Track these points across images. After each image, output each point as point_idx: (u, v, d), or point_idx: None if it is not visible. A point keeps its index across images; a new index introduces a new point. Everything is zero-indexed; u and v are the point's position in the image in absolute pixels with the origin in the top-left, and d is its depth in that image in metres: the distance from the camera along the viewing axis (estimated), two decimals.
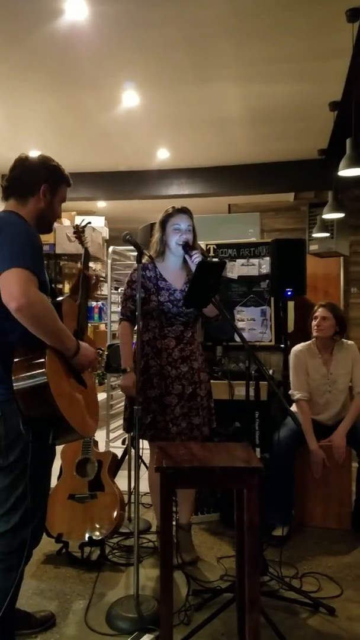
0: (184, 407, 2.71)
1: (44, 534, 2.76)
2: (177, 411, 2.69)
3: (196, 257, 2.59)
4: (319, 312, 3.36)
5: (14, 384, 1.76)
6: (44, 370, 1.75)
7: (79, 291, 2.25)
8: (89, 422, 2.00)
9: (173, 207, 2.77)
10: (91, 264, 5.46)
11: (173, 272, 2.79)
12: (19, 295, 1.68)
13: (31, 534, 1.89)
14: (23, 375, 1.77)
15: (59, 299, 2.08)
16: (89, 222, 2.56)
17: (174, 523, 2.76)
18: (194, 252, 2.67)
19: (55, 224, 5.54)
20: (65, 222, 5.99)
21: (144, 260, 2.61)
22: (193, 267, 2.58)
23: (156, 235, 2.78)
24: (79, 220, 2.50)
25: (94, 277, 2.34)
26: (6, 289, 1.71)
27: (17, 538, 1.87)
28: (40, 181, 1.97)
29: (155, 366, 2.70)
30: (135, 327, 2.64)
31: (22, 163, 2.00)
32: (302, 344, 3.43)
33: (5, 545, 1.87)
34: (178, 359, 2.73)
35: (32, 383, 1.75)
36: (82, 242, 2.42)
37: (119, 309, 2.95)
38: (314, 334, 3.36)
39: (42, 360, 1.77)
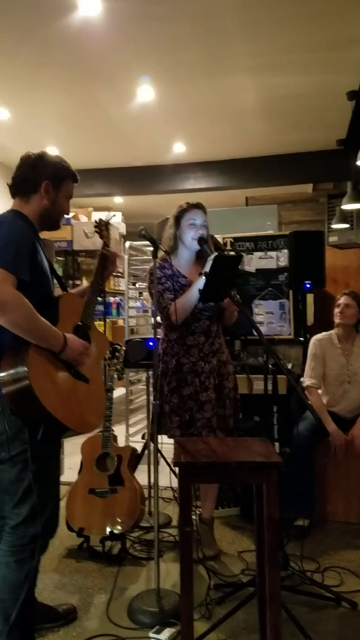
0: (218, 400, 2.72)
1: (67, 528, 2.81)
2: (215, 405, 2.69)
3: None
4: (343, 299, 3.33)
5: (1, 383, 1.78)
6: (25, 369, 1.75)
7: (96, 273, 2.21)
8: (87, 418, 1.97)
9: (187, 203, 2.75)
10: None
11: (187, 267, 2.77)
12: None
13: (43, 526, 1.90)
14: (6, 374, 1.78)
15: (60, 294, 2.07)
16: (114, 215, 2.46)
17: (194, 517, 2.78)
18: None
19: (72, 221, 5.58)
20: (83, 218, 6.01)
21: (158, 259, 2.59)
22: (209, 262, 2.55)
23: (169, 230, 2.76)
24: (95, 216, 2.45)
25: (112, 254, 2.29)
26: None
27: (28, 531, 1.88)
28: (42, 178, 1.97)
29: (188, 363, 2.69)
30: (160, 317, 2.65)
31: (24, 162, 2.01)
32: (324, 333, 3.40)
33: (17, 538, 1.89)
34: (209, 353, 2.72)
35: (16, 383, 1.76)
36: (103, 237, 2.33)
37: (145, 304, 2.93)
38: (337, 321, 3.33)
39: (25, 359, 1.77)
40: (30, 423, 1.82)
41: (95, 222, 2.41)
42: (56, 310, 1.94)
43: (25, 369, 1.75)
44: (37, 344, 1.81)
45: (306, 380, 3.30)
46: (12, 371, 1.77)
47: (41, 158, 2.01)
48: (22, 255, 1.83)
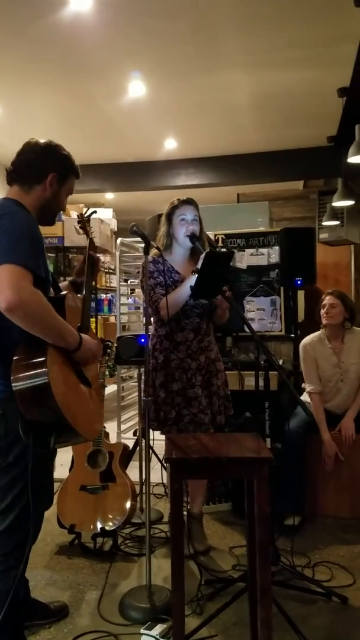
0: (207, 397, 2.72)
1: (58, 525, 2.81)
2: (204, 402, 2.69)
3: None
4: (327, 299, 3.34)
5: (13, 385, 1.64)
6: (44, 369, 1.62)
7: (84, 274, 2.17)
8: (93, 424, 1.90)
9: (178, 199, 2.75)
10: (99, 255, 5.45)
11: (181, 264, 2.77)
12: (9, 294, 1.57)
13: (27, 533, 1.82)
14: (22, 375, 1.64)
15: (62, 293, 1.97)
16: (94, 211, 2.48)
17: (185, 513, 2.79)
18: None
19: (64, 217, 5.55)
20: (74, 214, 5.98)
21: (151, 255, 2.59)
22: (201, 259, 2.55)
23: (162, 228, 2.76)
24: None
25: (98, 258, 2.27)
26: None
27: (13, 538, 1.80)
28: (49, 170, 1.87)
29: (176, 359, 2.69)
30: (153, 314, 2.65)
31: (31, 148, 1.90)
32: (311, 335, 3.41)
33: (1, 546, 1.81)
34: (197, 351, 2.72)
35: (32, 383, 1.63)
36: (86, 232, 2.33)
37: (137, 300, 2.93)
38: (324, 321, 3.35)
39: (43, 359, 1.64)
40: (37, 429, 1.68)
41: (78, 216, 2.39)
42: (62, 310, 1.81)
43: (45, 369, 1.63)
44: (53, 343, 1.69)
45: (307, 387, 3.33)
46: (29, 372, 1.64)
47: (52, 148, 1.91)
48: (35, 250, 1.72)
